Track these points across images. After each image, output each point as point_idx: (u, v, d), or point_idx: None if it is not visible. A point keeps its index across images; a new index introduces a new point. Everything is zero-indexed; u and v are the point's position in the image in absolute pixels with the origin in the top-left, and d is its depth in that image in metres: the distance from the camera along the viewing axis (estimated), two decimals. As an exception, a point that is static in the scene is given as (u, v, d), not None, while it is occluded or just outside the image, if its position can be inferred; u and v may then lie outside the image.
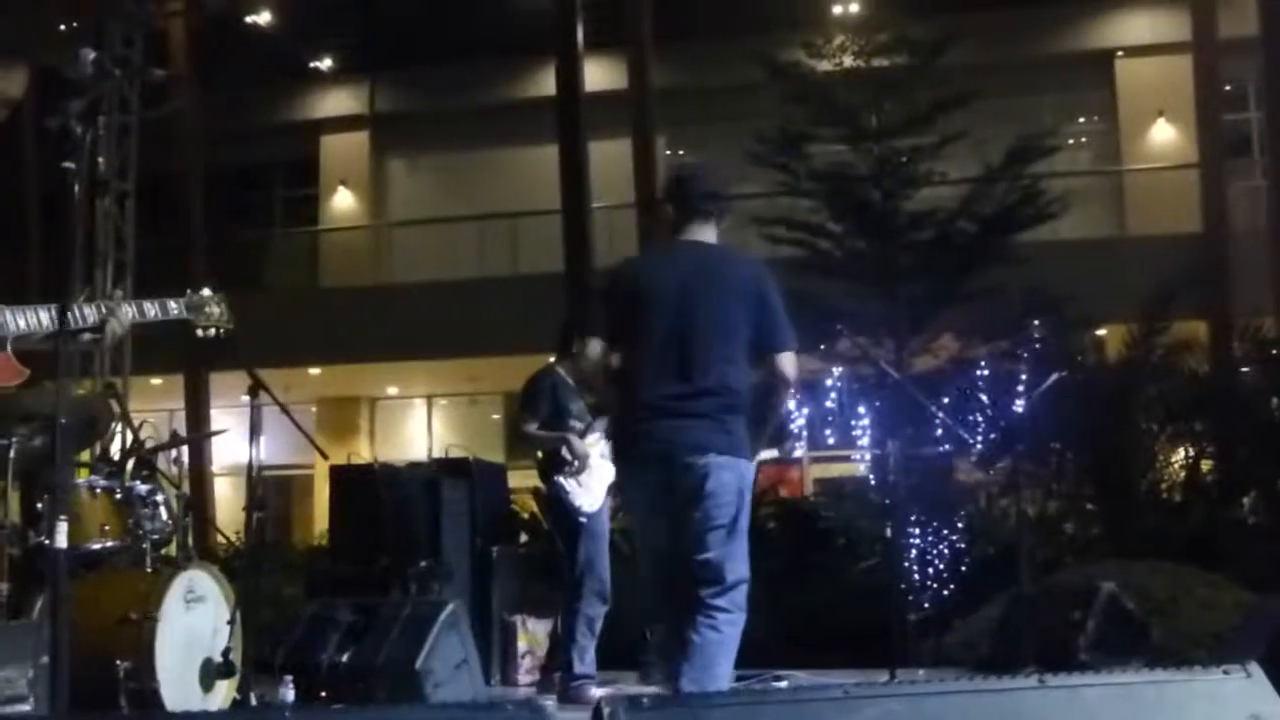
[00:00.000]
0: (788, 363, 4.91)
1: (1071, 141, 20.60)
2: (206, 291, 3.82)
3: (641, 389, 4.75)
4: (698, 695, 2.28)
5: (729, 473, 4.78)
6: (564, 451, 7.25)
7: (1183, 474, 11.49)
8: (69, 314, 3.26)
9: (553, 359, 7.71)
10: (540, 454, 7.51)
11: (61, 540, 3.08)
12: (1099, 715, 2.38)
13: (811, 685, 2.48)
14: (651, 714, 2.14)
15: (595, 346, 4.87)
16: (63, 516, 3.11)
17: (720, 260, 5.07)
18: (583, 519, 7.21)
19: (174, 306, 3.69)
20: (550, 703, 7.01)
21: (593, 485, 7.29)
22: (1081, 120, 21.43)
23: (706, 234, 5.09)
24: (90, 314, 3.34)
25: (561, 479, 7.24)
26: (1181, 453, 11.62)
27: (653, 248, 5.17)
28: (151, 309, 3.60)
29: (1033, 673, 2.49)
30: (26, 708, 5.10)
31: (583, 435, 7.33)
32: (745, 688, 6.72)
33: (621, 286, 5.00)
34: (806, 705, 2.23)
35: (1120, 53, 20.15)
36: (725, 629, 4.71)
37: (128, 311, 3.45)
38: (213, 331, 3.88)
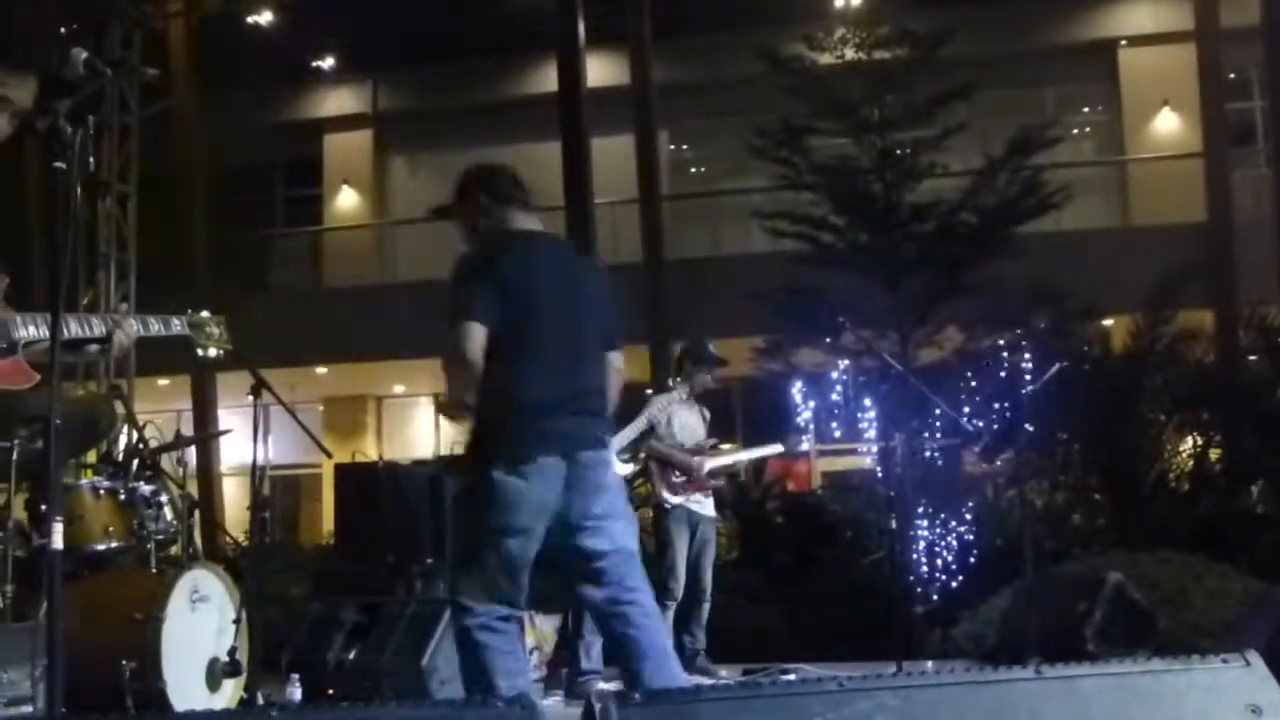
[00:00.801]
0: (621, 360, 4.92)
1: (1075, 132, 20.54)
2: (206, 314, 3.82)
3: (538, 386, 4.65)
4: (689, 690, 2.27)
5: (614, 466, 4.83)
6: None
7: (1190, 464, 11.48)
8: (76, 324, 3.26)
9: None
10: None
11: (57, 541, 3.07)
12: (1096, 706, 2.37)
13: (805, 679, 2.47)
14: (642, 709, 2.14)
15: (479, 332, 4.55)
16: (58, 518, 3.10)
17: (574, 254, 5.07)
18: None
19: (177, 323, 3.70)
20: (555, 698, 7.03)
21: None
22: (1085, 110, 21.37)
23: (536, 225, 5.01)
24: (97, 325, 3.35)
25: None
26: (1189, 442, 11.61)
27: (508, 237, 4.81)
28: (155, 324, 3.61)
29: (1032, 664, 2.47)
30: (30, 709, 5.11)
31: None
32: (751, 681, 6.72)
33: (502, 276, 4.71)
34: (800, 699, 2.22)
35: (1123, 42, 20.10)
36: (655, 606, 4.66)
37: (133, 325, 3.46)
38: (212, 351, 3.87)
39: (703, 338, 8.54)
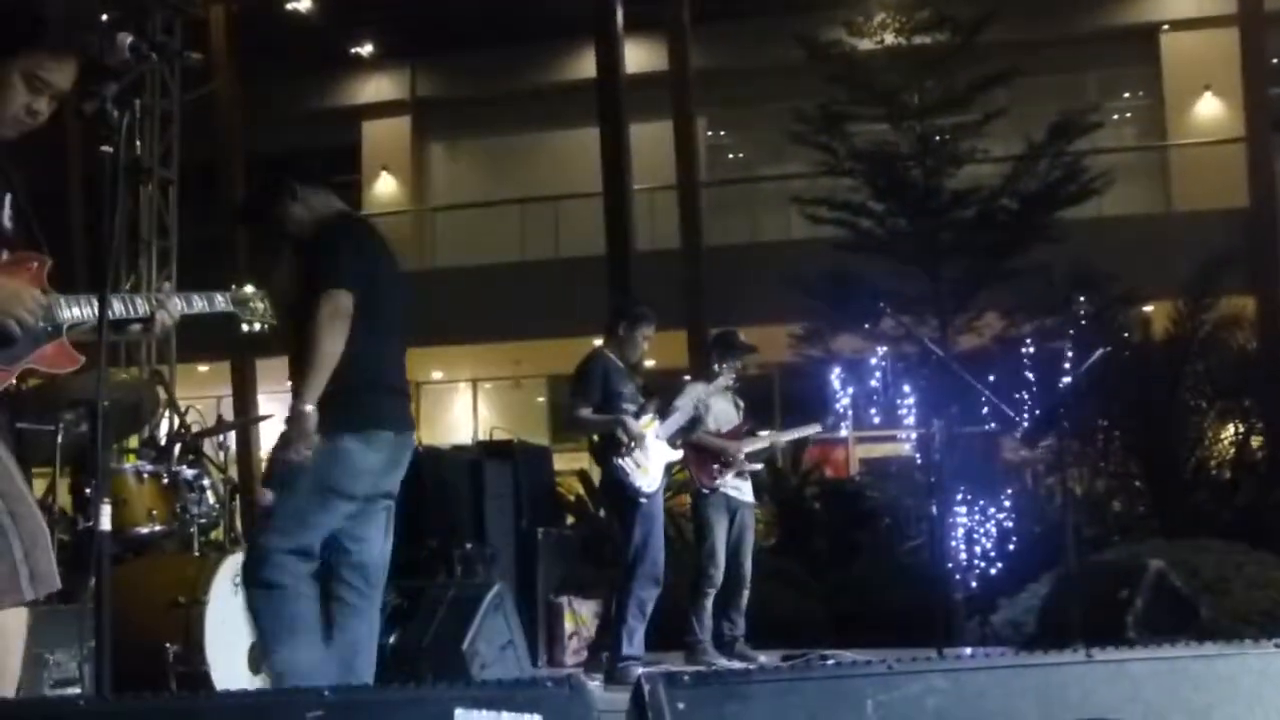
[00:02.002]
0: None
1: (1116, 117, 20.41)
2: (250, 288, 3.83)
3: (385, 371, 4.72)
4: (738, 672, 2.27)
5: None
6: (619, 433, 7.19)
7: (1231, 451, 11.38)
8: (120, 304, 3.28)
9: (600, 342, 7.68)
10: (595, 437, 7.45)
11: (105, 523, 3.10)
12: (1146, 689, 2.36)
13: (854, 661, 2.48)
14: (692, 690, 2.14)
15: (347, 300, 4.42)
16: (106, 500, 3.13)
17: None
18: (643, 500, 7.17)
19: (220, 300, 3.71)
20: (595, 682, 7.04)
21: (650, 466, 7.24)
22: (1126, 95, 21.22)
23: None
24: (141, 305, 3.36)
25: (620, 460, 7.17)
26: (1230, 429, 11.51)
27: (350, 217, 4.85)
28: (199, 302, 3.61)
29: (1081, 647, 2.46)
30: (78, 690, 5.16)
31: (636, 417, 7.29)
32: (800, 663, 6.73)
33: (366, 251, 4.72)
34: (849, 681, 2.22)
35: (1165, 27, 19.93)
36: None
37: (177, 304, 3.47)
38: (257, 326, 3.89)
39: (732, 327, 8.57)
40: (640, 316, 7.56)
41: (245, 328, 3.86)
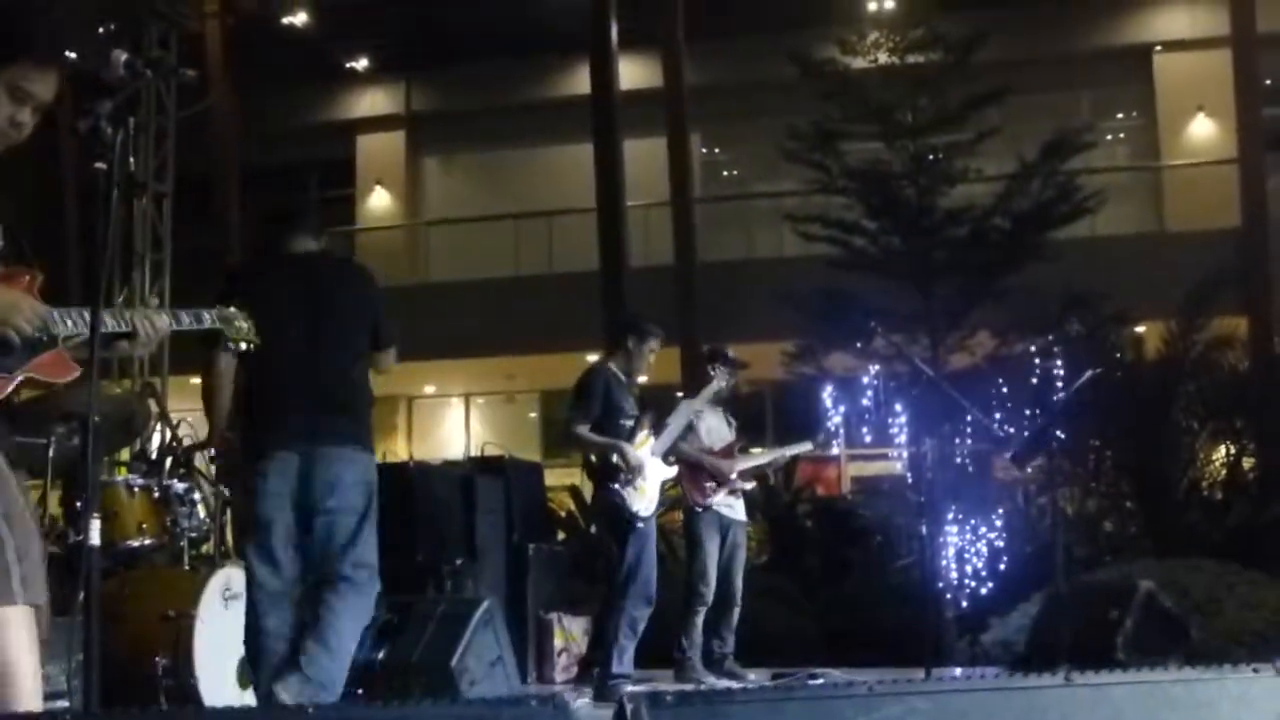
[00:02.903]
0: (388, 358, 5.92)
1: (1109, 137, 20.46)
2: (232, 309, 3.85)
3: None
4: (721, 691, 2.28)
5: None
6: (616, 460, 7.18)
7: (1223, 471, 11.41)
8: (110, 319, 3.28)
9: (596, 358, 7.67)
10: (593, 456, 7.42)
11: (95, 537, 3.10)
12: (1126, 714, 2.36)
13: (836, 683, 2.49)
14: (674, 710, 2.14)
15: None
16: (96, 514, 3.13)
17: (332, 267, 5.98)
18: (640, 524, 7.16)
19: (207, 318, 3.71)
20: (584, 699, 7.03)
21: (647, 487, 7.23)
22: (1119, 115, 21.26)
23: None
24: (126, 320, 3.36)
25: (617, 485, 7.16)
26: (1222, 450, 11.53)
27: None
28: (186, 318, 3.62)
29: (1062, 671, 2.47)
30: (66, 704, 5.15)
31: (631, 435, 7.26)
32: (783, 684, 6.72)
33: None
34: (830, 702, 2.22)
35: (1158, 47, 19.99)
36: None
37: (165, 320, 3.47)
38: (243, 345, 3.91)
39: (722, 344, 8.58)
40: (649, 331, 7.58)
41: (231, 346, 3.87)
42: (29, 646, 3.07)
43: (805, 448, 8.89)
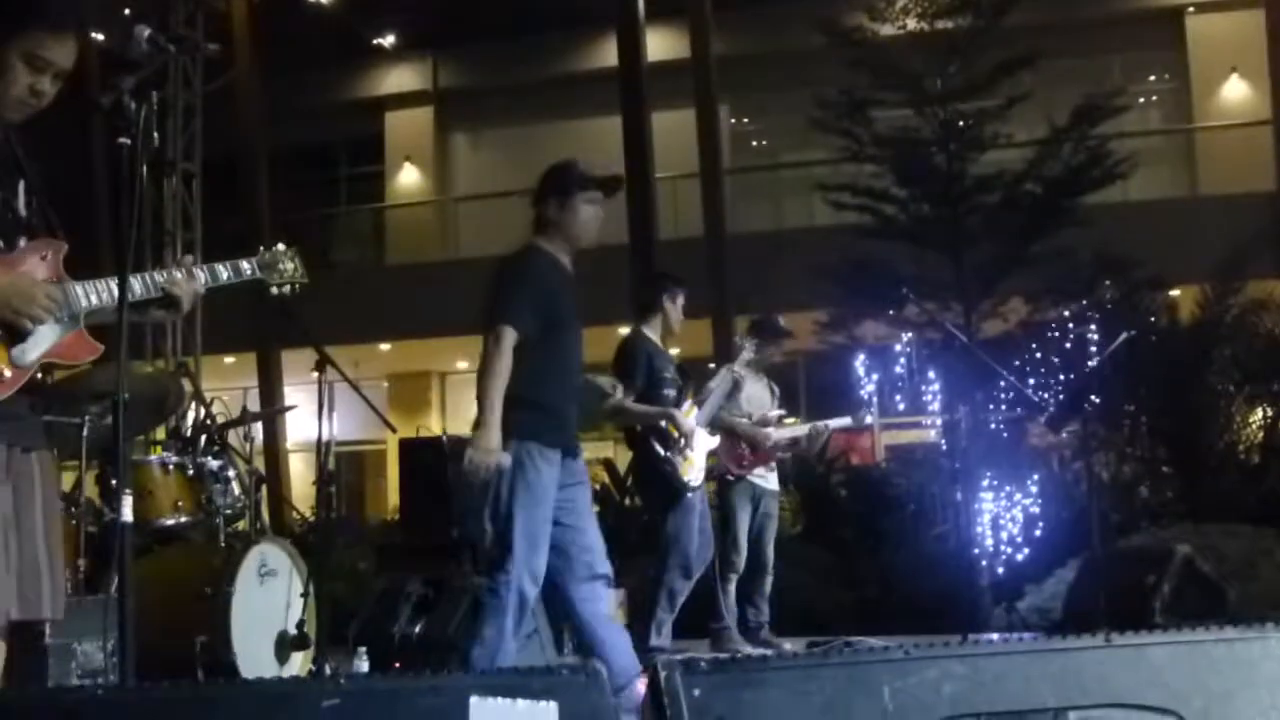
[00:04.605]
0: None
1: (1141, 100, 20.29)
2: (280, 246, 3.79)
3: None
4: (756, 659, 2.26)
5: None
6: (667, 426, 7.12)
7: (1260, 435, 11.31)
8: (139, 284, 3.25)
9: (634, 325, 7.54)
10: (638, 427, 7.34)
11: (127, 514, 3.11)
12: (1166, 674, 2.34)
13: (871, 647, 2.48)
14: (709, 678, 2.13)
15: None
16: (127, 491, 3.13)
17: None
18: (689, 493, 7.14)
19: (246, 267, 3.66)
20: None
21: (695, 457, 7.21)
22: (1151, 79, 21.09)
23: None
24: (161, 280, 3.33)
25: (668, 454, 7.12)
26: (1258, 414, 11.44)
27: None
28: (225, 272, 3.58)
29: (1102, 633, 2.45)
30: (103, 681, 5.19)
31: (678, 403, 7.21)
32: (818, 651, 6.72)
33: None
34: (866, 668, 2.21)
35: (1191, 9, 19.81)
36: None
37: (201, 277, 3.44)
38: (287, 289, 3.82)
39: (772, 312, 8.53)
40: (675, 281, 7.57)
41: (275, 290, 3.80)
42: None
43: (844, 422, 8.78)
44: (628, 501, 11.77)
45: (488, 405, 4.95)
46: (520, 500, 4.97)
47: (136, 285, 3.23)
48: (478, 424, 5.02)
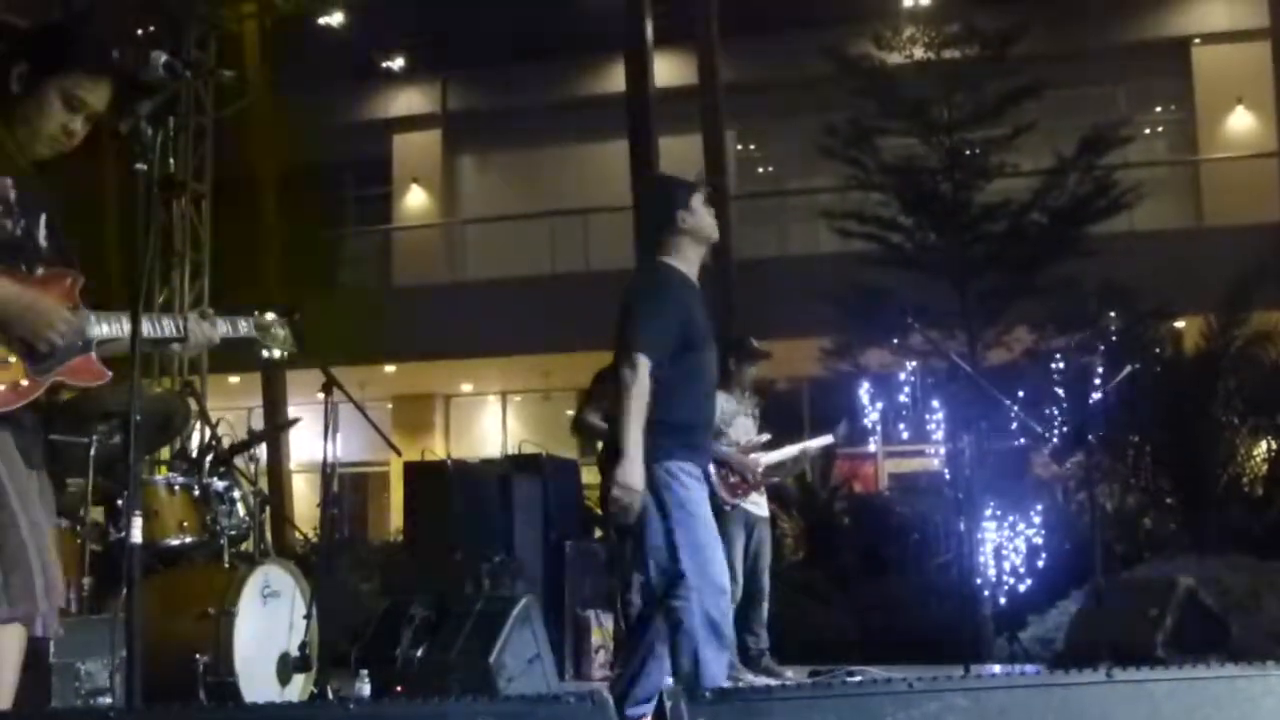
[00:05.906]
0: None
1: (1147, 131, 20.32)
2: (270, 315, 3.87)
3: None
4: (759, 688, 2.28)
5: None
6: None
7: (1264, 467, 11.30)
8: (148, 324, 3.34)
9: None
10: None
11: (136, 535, 3.13)
12: (1167, 710, 2.35)
13: (874, 679, 2.49)
14: (712, 707, 2.15)
15: None
16: (136, 512, 3.16)
17: None
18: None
19: (244, 326, 3.76)
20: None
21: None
22: (1157, 109, 21.13)
23: None
24: (168, 325, 3.43)
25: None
26: (1263, 446, 11.44)
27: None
28: (224, 326, 3.67)
29: (1103, 667, 2.46)
30: (108, 700, 5.20)
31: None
32: (821, 681, 6.71)
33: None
34: (868, 699, 2.22)
35: (1197, 40, 19.86)
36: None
37: (222, 328, 3.54)
38: (278, 353, 3.92)
39: (745, 334, 8.52)
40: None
41: (266, 354, 3.89)
42: (12, 664, 3.11)
43: (825, 441, 8.75)
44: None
45: (630, 440, 4.68)
46: (677, 518, 4.75)
47: (146, 325, 3.30)
48: (616, 455, 4.75)
